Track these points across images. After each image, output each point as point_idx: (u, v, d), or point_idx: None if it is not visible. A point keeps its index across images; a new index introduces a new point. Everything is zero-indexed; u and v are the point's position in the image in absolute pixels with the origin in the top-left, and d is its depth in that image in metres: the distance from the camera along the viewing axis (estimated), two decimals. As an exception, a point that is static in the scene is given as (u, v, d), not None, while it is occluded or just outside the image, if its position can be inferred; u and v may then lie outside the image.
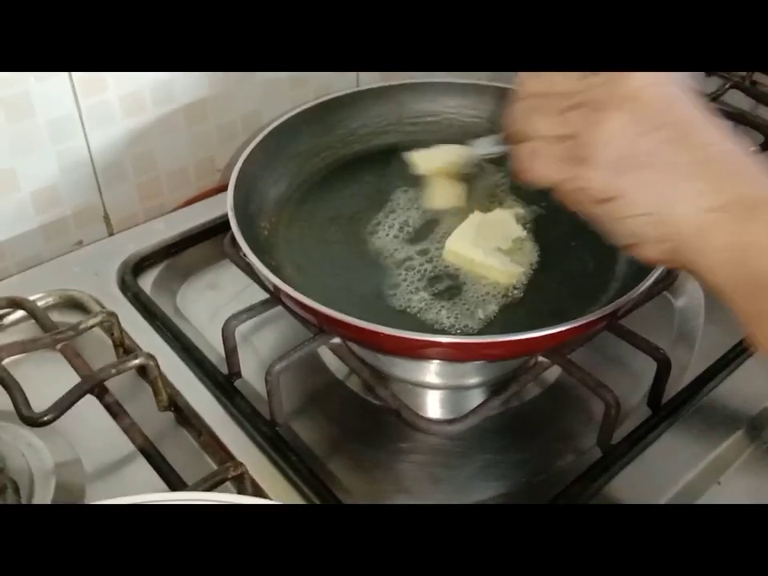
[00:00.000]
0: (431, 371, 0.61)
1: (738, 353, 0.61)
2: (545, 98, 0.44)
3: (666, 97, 0.42)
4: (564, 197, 0.45)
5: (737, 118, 0.83)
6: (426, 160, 0.64)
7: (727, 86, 0.85)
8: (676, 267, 0.44)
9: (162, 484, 0.50)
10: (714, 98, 0.84)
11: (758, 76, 0.91)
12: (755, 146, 0.76)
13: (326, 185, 0.71)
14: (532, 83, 0.45)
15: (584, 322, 0.51)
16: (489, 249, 0.60)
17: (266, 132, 0.68)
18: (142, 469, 0.52)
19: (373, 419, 0.59)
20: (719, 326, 0.65)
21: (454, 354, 0.53)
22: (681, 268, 0.44)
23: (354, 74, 0.86)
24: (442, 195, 0.65)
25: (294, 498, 0.51)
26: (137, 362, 0.53)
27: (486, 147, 0.56)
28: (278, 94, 0.81)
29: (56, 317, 0.61)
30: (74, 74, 0.66)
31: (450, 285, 0.60)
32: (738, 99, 0.87)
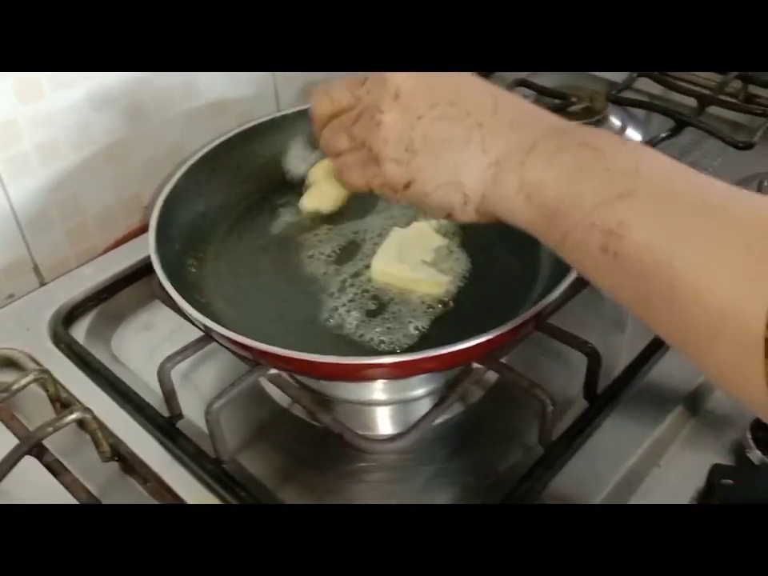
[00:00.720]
0: (376, 389, 0.61)
1: (667, 336, 0.63)
2: (336, 116, 0.51)
3: (427, 81, 0.47)
4: (380, 194, 0.50)
5: (648, 105, 0.85)
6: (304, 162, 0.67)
7: (636, 75, 0.87)
8: (491, 221, 0.48)
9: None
10: (624, 86, 0.86)
11: (666, 61, 0.93)
12: (666, 131, 0.78)
13: (251, 214, 0.71)
14: (321, 106, 0.52)
15: (512, 326, 0.52)
16: (414, 263, 0.61)
17: (185, 167, 0.68)
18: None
19: (321, 444, 0.59)
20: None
21: (391, 373, 0.54)
22: (495, 221, 0.47)
23: (273, 98, 0.86)
24: (321, 197, 0.65)
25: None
26: (73, 416, 0.53)
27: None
28: (200, 125, 0.81)
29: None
30: (-16, 128, 0.65)
31: (381, 303, 0.61)
32: (647, 86, 0.90)
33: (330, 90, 0.52)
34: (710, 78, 0.89)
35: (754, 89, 0.88)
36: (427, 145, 0.46)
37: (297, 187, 0.72)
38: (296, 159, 0.68)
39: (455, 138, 0.46)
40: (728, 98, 0.84)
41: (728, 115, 0.85)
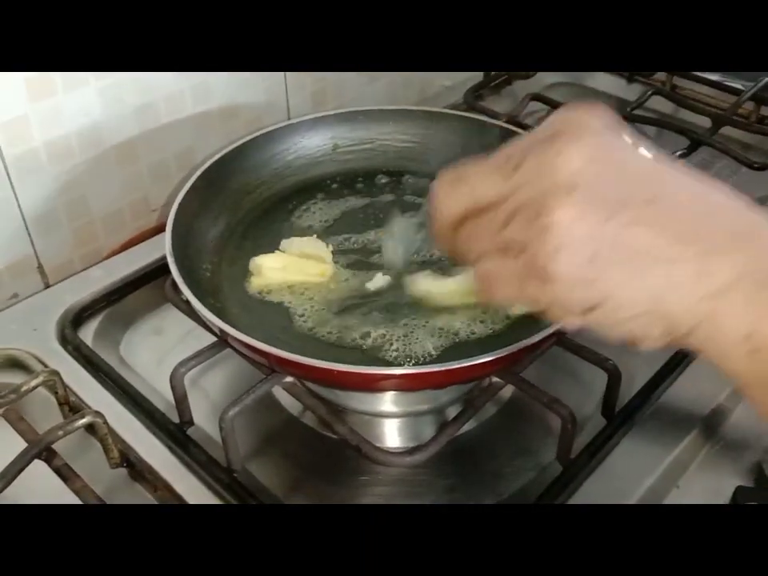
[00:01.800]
0: (387, 401, 0.60)
1: (685, 354, 0.62)
2: (474, 216, 0.38)
3: (611, 167, 0.35)
4: (543, 313, 0.37)
5: (661, 123, 0.85)
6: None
7: (649, 93, 0.87)
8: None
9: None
10: (638, 104, 0.86)
11: (678, 80, 0.94)
12: (681, 150, 0.78)
13: (265, 219, 0.70)
14: (453, 202, 0.39)
15: (533, 341, 0.51)
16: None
17: (200, 171, 0.67)
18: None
19: (332, 454, 0.59)
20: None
21: (408, 385, 0.53)
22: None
23: (284, 105, 0.86)
24: None
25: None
26: (84, 420, 0.51)
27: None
28: (210, 130, 0.80)
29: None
30: (-5, 124, 0.64)
31: (399, 315, 0.60)
32: (660, 105, 0.90)
33: (469, 180, 0.38)
34: (722, 98, 0.89)
35: (766, 110, 0.88)
36: (621, 258, 0.34)
37: (311, 192, 0.72)
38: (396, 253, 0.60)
39: (662, 251, 0.33)
40: (741, 119, 0.85)
41: (740, 136, 0.86)
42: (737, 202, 0.36)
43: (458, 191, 0.38)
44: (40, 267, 0.73)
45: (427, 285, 0.58)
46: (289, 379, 0.55)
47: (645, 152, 0.37)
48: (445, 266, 0.61)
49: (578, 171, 0.34)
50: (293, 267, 0.63)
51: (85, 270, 0.73)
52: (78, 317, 0.66)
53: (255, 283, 0.62)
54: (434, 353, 0.57)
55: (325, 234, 0.67)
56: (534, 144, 0.36)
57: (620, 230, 0.34)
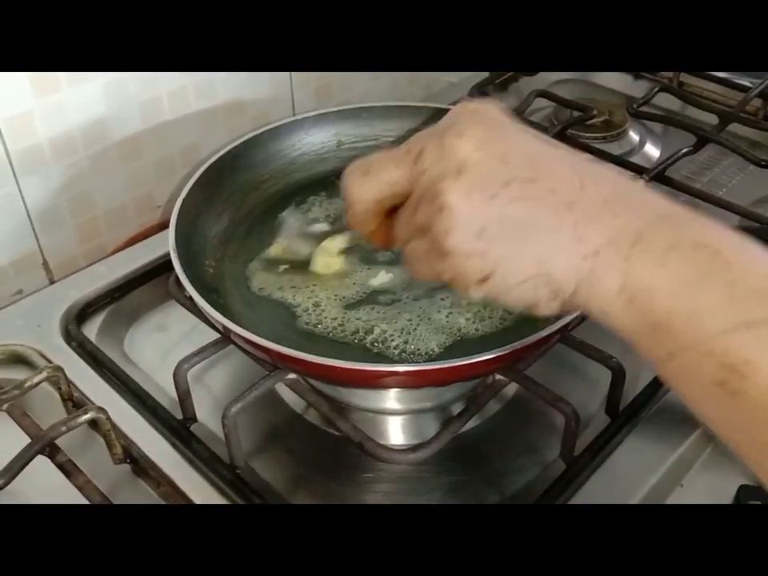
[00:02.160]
0: (390, 398, 0.60)
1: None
2: (383, 201, 0.43)
3: (496, 152, 0.39)
4: (450, 286, 0.42)
5: (668, 120, 0.85)
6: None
7: (656, 90, 0.87)
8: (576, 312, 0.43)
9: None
10: (644, 101, 0.85)
11: (685, 77, 0.93)
12: (687, 147, 0.78)
13: (269, 216, 0.70)
14: (363, 191, 0.43)
15: (537, 338, 0.51)
16: None
17: (204, 167, 0.67)
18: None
19: (335, 451, 0.59)
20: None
21: (412, 382, 0.53)
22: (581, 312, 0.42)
23: (289, 101, 0.86)
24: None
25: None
26: (87, 416, 0.51)
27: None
28: (215, 126, 0.80)
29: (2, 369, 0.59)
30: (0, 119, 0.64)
31: (401, 309, 0.60)
32: (667, 101, 0.89)
33: (375, 171, 0.42)
34: (730, 95, 0.89)
35: (773, 108, 0.87)
36: (505, 231, 0.38)
37: (315, 188, 0.72)
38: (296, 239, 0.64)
39: (539, 222, 0.38)
40: (749, 116, 0.84)
41: (747, 133, 0.85)
42: (612, 173, 0.40)
43: (365, 181, 0.43)
44: (44, 263, 0.73)
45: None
46: (292, 376, 0.55)
47: (531, 138, 0.41)
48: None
49: (466, 156, 0.38)
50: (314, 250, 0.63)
51: (89, 266, 0.73)
52: (81, 313, 0.66)
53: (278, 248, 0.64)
54: (437, 350, 0.56)
55: (328, 229, 0.67)
56: (433, 135, 0.40)
57: (504, 205, 0.38)
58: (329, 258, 0.63)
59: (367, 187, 0.43)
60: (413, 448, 0.51)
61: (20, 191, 0.68)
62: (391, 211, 0.44)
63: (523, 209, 0.38)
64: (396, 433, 0.61)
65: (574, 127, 0.83)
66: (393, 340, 0.57)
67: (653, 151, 0.86)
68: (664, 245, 0.36)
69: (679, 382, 0.37)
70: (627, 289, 0.36)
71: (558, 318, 0.54)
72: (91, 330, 0.66)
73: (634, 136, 0.87)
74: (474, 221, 0.38)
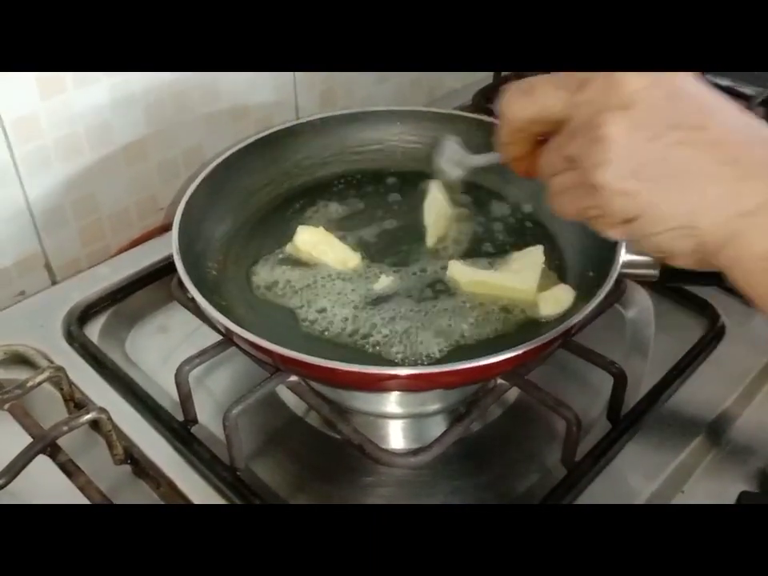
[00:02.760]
0: (392, 401, 0.60)
1: (691, 360, 0.62)
2: (538, 123, 0.41)
3: (668, 93, 0.37)
4: (592, 225, 0.41)
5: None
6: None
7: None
8: (709, 269, 0.40)
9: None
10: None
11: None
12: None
13: (273, 219, 0.70)
14: (519, 109, 0.42)
15: (539, 343, 0.51)
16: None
17: (208, 170, 0.67)
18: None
19: (335, 454, 0.58)
20: (670, 335, 0.66)
21: (413, 385, 0.53)
22: (714, 269, 0.40)
23: (293, 105, 0.86)
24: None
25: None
26: (89, 416, 0.52)
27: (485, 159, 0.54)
28: (219, 129, 0.80)
29: (1, 374, 0.60)
30: (5, 120, 0.65)
31: (403, 313, 0.60)
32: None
33: (535, 91, 0.41)
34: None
35: (776, 117, 0.87)
36: (663, 173, 0.37)
37: (319, 193, 0.72)
38: (450, 163, 0.57)
39: (701, 170, 0.36)
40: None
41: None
42: None
43: (524, 99, 0.41)
44: (47, 264, 0.73)
45: (458, 272, 0.61)
46: (293, 378, 0.55)
47: (705, 87, 0.39)
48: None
49: (636, 92, 0.37)
50: (322, 247, 0.64)
51: (92, 267, 0.74)
52: (84, 314, 0.66)
53: (287, 247, 0.65)
54: (438, 354, 0.56)
55: (332, 233, 0.67)
56: (601, 72, 0.39)
57: (666, 148, 0.37)
58: (344, 254, 0.64)
59: (525, 105, 0.41)
60: (414, 452, 0.51)
61: (24, 192, 0.69)
62: (540, 142, 0.43)
63: (686, 154, 0.37)
64: (397, 436, 0.61)
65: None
66: (394, 344, 0.57)
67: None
68: None
69: None
70: None
71: (560, 322, 0.55)
72: (93, 331, 0.66)
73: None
74: (631, 157, 0.37)
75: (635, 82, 0.37)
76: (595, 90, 0.38)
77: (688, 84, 0.39)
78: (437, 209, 0.67)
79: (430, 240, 0.66)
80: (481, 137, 0.71)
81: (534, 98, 0.41)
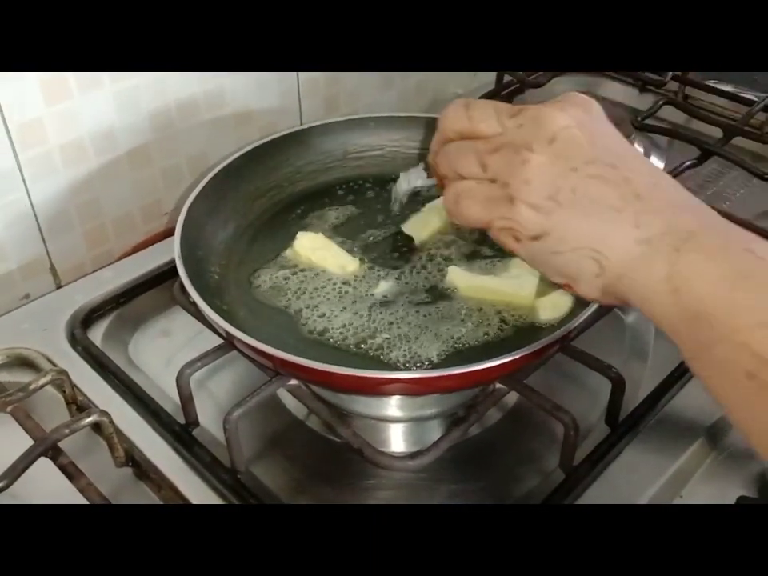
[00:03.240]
0: (392, 405, 0.61)
1: (690, 365, 0.62)
2: (468, 137, 0.46)
3: (588, 135, 0.43)
4: (495, 236, 0.45)
5: (672, 133, 0.85)
6: (417, 229, 0.67)
7: (661, 103, 0.87)
8: (612, 303, 0.44)
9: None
10: (649, 114, 0.86)
11: (690, 90, 0.94)
12: (691, 160, 0.78)
13: (274, 224, 0.70)
14: (455, 119, 0.46)
15: (537, 347, 0.51)
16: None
17: (210, 175, 0.67)
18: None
19: (336, 458, 0.59)
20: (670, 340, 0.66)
21: (413, 389, 0.53)
22: (617, 303, 0.44)
23: (297, 111, 0.86)
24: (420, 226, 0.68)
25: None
26: (90, 419, 0.52)
27: (415, 179, 0.60)
28: (223, 134, 0.81)
29: (4, 376, 0.60)
30: (10, 126, 0.65)
31: (402, 318, 0.60)
32: (671, 114, 0.90)
33: (472, 108, 0.46)
34: (734, 109, 0.89)
35: (777, 122, 0.88)
36: (575, 200, 0.41)
37: (321, 198, 0.73)
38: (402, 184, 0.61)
39: (608, 201, 0.41)
40: (753, 130, 0.84)
41: (751, 147, 0.85)
42: (679, 186, 0.43)
43: (462, 112, 0.46)
44: (52, 268, 0.74)
45: (457, 277, 0.62)
46: (293, 382, 0.55)
47: (620, 136, 0.45)
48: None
49: (563, 128, 0.42)
50: (322, 252, 0.64)
51: (96, 271, 0.74)
52: (87, 317, 0.67)
53: (287, 252, 0.66)
54: (437, 358, 0.57)
55: (332, 238, 0.67)
56: (539, 105, 0.44)
57: (580, 179, 0.42)
58: (343, 259, 0.64)
59: (461, 117, 0.46)
60: (412, 455, 0.51)
61: (29, 197, 0.69)
62: None
63: (597, 187, 0.41)
64: (396, 440, 0.62)
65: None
66: (394, 348, 0.57)
67: (657, 164, 0.87)
68: (714, 245, 0.39)
69: (711, 372, 0.39)
70: (673, 278, 0.39)
71: (558, 327, 0.55)
72: (96, 334, 0.67)
73: (639, 148, 0.87)
74: (550, 182, 0.42)
75: (562, 121, 0.43)
76: (528, 120, 0.43)
77: (606, 128, 0.44)
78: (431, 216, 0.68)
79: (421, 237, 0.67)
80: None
81: (471, 113, 0.46)
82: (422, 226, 0.67)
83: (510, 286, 0.60)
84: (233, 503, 0.53)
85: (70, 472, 0.51)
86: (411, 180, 0.60)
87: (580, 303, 0.58)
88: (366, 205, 0.72)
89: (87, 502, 0.50)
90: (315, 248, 0.65)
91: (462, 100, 0.47)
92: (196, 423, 0.59)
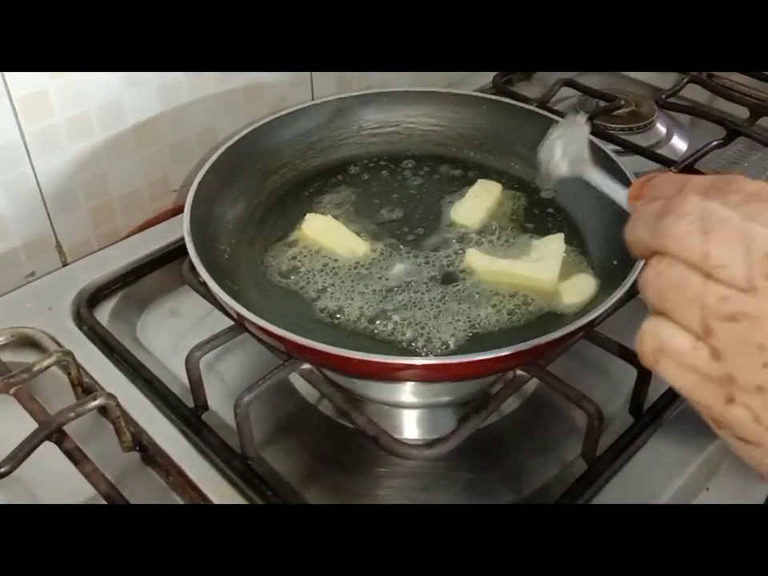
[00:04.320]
0: (406, 391, 0.59)
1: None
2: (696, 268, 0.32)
3: None
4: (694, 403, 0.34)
5: (697, 112, 0.83)
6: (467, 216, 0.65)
7: (685, 81, 0.85)
8: None
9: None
10: (672, 92, 0.83)
11: (715, 69, 0.91)
12: (717, 140, 0.75)
13: (286, 202, 0.68)
14: (685, 240, 0.32)
15: (562, 334, 0.49)
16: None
17: (220, 151, 0.65)
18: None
19: (348, 444, 0.57)
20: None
21: (430, 375, 0.51)
22: None
23: (308, 86, 0.84)
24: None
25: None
26: (96, 402, 0.50)
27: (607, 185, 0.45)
28: (233, 110, 0.79)
29: (8, 357, 0.58)
30: (15, 98, 0.63)
31: (418, 302, 0.58)
32: (696, 93, 0.87)
33: (715, 234, 0.31)
34: (761, 88, 0.86)
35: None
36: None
37: (334, 175, 0.70)
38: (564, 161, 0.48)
39: None
40: (780, 110, 0.82)
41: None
42: None
43: (694, 234, 0.32)
44: (58, 245, 0.72)
45: (476, 260, 0.59)
46: (306, 366, 0.53)
47: None
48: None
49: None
50: (331, 235, 0.63)
51: (102, 249, 0.72)
52: (93, 297, 0.65)
53: (296, 234, 0.64)
54: (454, 343, 0.55)
55: (346, 217, 0.65)
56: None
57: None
58: (352, 242, 0.62)
59: (694, 239, 0.32)
60: (430, 444, 0.50)
61: (34, 172, 0.67)
62: None
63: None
64: (411, 427, 0.60)
65: (600, 117, 0.81)
66: (408, 332, 0.55)
67: (680, 144, 0.84)
68: None
69: None
70: None
71: (581, 313, 0.53)
72: (103, 314, 0.65)
73: (661, 128, 0.85)
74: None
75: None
76: None
77: None
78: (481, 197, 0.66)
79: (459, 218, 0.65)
80: (502, 119, 0.71)
81: (711, 241, 0.32)
82: (471, 212, 0.65)
83: (531, 271, 0.58)
84: (242, 491, 0.51)
85: (76, 457, 0.49)
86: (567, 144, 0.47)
87: (604, 288, 0.56)
88: (381, 183, 0.70)
89: (92, 488, 0.48)
90: (324, 230, 0.63)
91: (698, 203, 0.32)
92: (205, 407, 0.57)
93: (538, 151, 0.51)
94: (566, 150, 0.48)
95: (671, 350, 0.33)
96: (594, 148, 0.50)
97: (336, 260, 0.62)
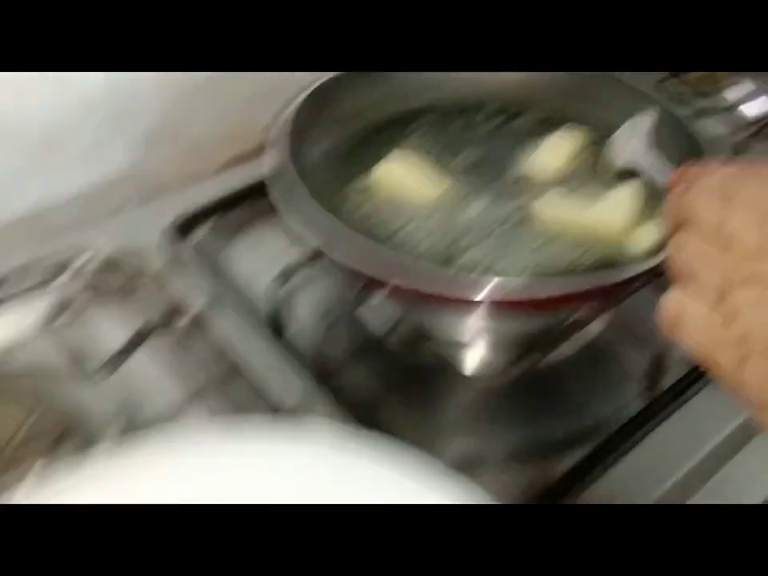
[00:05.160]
0: (472, 326, 0.61)
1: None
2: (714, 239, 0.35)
3: None
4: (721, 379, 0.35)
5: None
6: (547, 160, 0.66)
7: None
8: None
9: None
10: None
11: None
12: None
13: (370, 143, 0.70)
14: (707, 204, 0.35)
15: (627, 276, 0.51)
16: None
17: (306, 93, 0.67)
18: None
19: (413, 376, 0.60)
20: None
21: (496, 309, 0.53)
22: None
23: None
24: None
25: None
26: (186, 319, 0.54)
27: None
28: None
29: (105, 277, 0.62)
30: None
31: (492, 237, 0.60)
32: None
33: (734, 205, 0.34)
34: None
35: None
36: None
37: (419, 119, 0.71)
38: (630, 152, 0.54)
39: None
40: None
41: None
42: None
43: (714, 201, 0.35)
44: (151, 178, 0.76)
45: (547, 206, 0.60)
46: (378, 298, 0.56)
47: None
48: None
49: None
50: (408, 176, 0.65)
51: (194, 182, 0.76)
52: (185, 225, 0.69)
53: (375, 174, 0.66)
54: (524, 280, 0.57)
55: (424, 159, 0.67)
56: None
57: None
58: (428, 184, 0.64)
59: (714, 205, 0.35)
60: (489, 377, 0.52)
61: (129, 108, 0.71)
62: None
63: None
64: (474, 360, 0.62)
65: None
66: (482, 267, 0.57)
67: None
68: None
69: None
70: None
71: (649, 258, 0.54)
72: (194, 240, 0.69)
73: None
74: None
75: None
76: None
77: None
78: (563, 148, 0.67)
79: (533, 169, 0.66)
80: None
81: (729, 209, 0.35)
82: (551, 158, 0.66)
83: (602, 214, 0.59)
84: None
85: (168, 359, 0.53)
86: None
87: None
88: (458, 129, 0.71)
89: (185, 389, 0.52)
90: (402, 172, 0.65)
91: (720, 179, 0.35)
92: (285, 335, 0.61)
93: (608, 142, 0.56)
94: (630, 144, 0.53)
95: (689, 315, 0.36)
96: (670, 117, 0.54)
97: (412, 200, 0.64)
